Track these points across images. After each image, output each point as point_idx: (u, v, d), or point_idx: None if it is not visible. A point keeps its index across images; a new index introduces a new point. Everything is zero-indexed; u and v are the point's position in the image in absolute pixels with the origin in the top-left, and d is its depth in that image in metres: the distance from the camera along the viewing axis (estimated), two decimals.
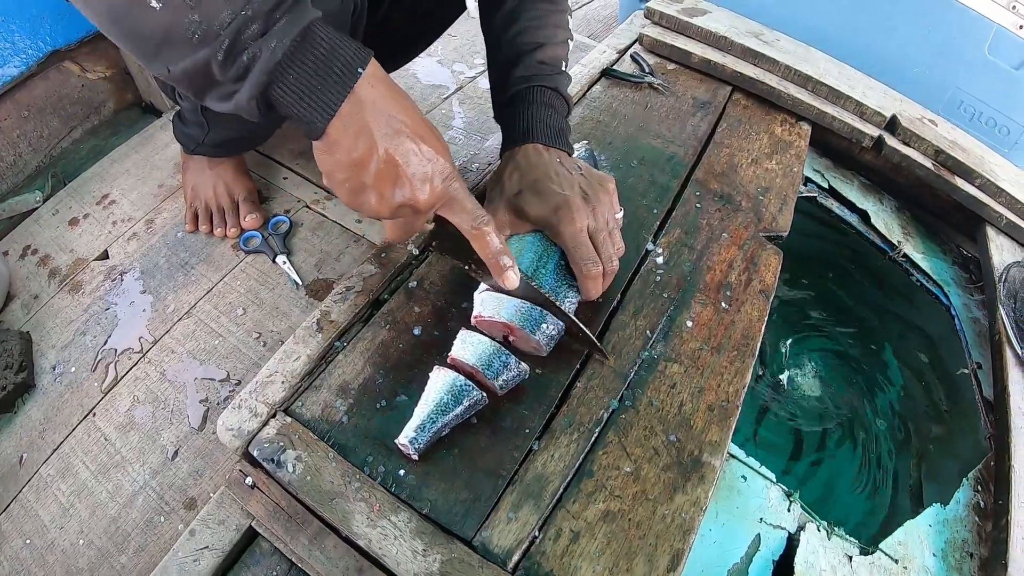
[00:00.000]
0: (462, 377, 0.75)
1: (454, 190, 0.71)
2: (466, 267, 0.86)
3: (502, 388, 0.77)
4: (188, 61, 0.59)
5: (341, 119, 0.63)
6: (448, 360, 0.79)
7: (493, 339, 0.80)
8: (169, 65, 0.61)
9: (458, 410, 0.73)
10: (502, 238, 0.76)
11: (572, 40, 1.06)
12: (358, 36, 0.98)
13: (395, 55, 1.41)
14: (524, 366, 0.78)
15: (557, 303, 0.82)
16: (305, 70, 0.61)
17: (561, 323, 0.81)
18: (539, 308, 0.81)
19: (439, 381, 0.75)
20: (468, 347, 0.78)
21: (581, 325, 0.82)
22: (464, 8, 1.27)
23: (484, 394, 0.75)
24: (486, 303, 0.82)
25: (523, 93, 0.98)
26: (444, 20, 1.32)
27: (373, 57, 0.65)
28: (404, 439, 0.72)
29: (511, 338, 0.82)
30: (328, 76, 0.62)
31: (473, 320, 0.83)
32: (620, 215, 0.93)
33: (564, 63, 1.03)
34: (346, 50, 0.63)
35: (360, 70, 0.63)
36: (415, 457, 0.73)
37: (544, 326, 0.80)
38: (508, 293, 0.81)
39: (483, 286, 0.85)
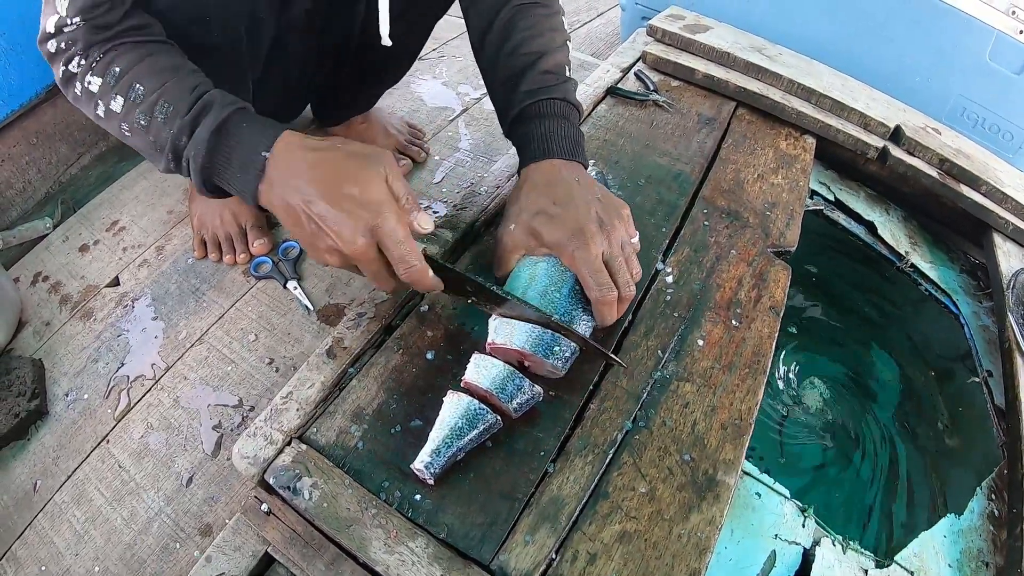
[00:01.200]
0: (476, 401, 0.75)
1: (383, 234, 0.74)
2: (469, 301, 0.87)
3: (517, 411, 0.77)
4: (162, 164, 0.78)
5: (263, 196, 0.75)
6: (462, 384, 0.79)
7: (507, 363, 0.80)
8: (156, 166, 0.81)
9: (473, 434, 0.74)
10: (427, 272, 0.77)
11: (570, 41, 1.06)
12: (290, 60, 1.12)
13: (373, 84, 1.46)
14: (538, 388, 0.78)
15: (570, 327, 0.83)
16: (224, 162, 0.75)
17: (574, 344, 0.82)
18: (550, 332, 0.81)
19: (453, 406, 0.75)
20: (482, 371, 0.78)
21: (590, 341, 0.83)
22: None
23: (499, 418, 0.75)
24: (499, 330, 0.82)
25: (533, 108, 0.98)
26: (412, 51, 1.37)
27: (287, 131, 0.75)
28: (419, 464, 0.72)
29: (526, 363, 0.82)
30: (240, 163, 0.74)
31: (488, 347, 0.84)
32: (636, 240, 0.92)
33: (567, 68, 1.03)
34: (252, 137, 0.74)
35: (264, 153, 0.73)
36: (431, 481, 0.73)
37: (557, 349, 0.80)
38: (518, 318, 0.82)
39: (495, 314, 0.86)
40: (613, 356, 0.84)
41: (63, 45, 0.77)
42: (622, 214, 0.91)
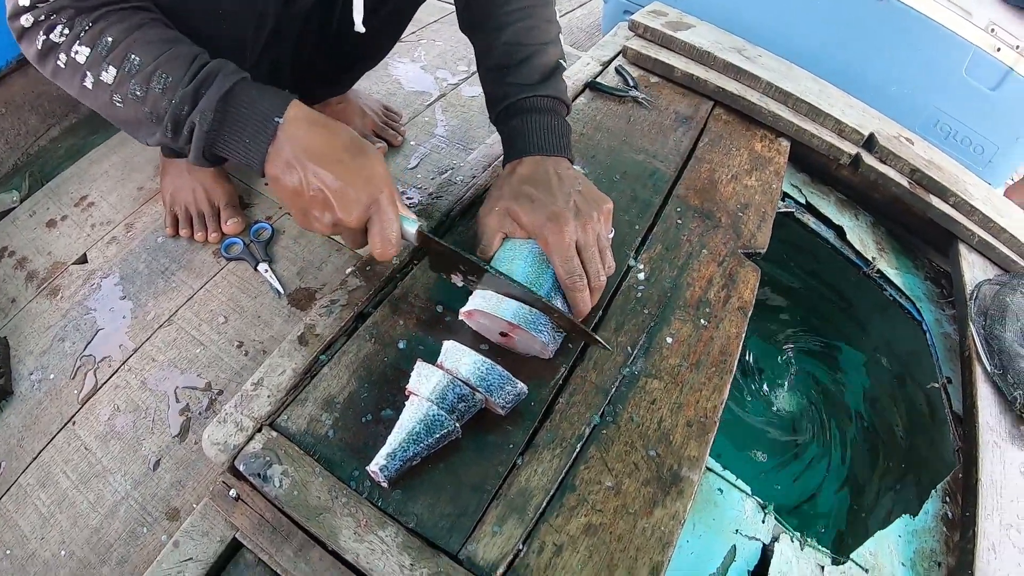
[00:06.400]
0: (435, 407, 0.74)
1: (375, 210, 0.78)
2: (457, 282, 0.88)
3: (504, 408, 0.78)
4: (154, 137, 0.78)
5: (271, 161, 0.76)
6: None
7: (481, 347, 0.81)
8: (147, 140, 0.81)
9: (430, 440, 0.73)
10: (394, 254, 0.81)
11: (561, 31, 1.08)
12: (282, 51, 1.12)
13: (356, 64, 1.45)
14: (522, 385, 0.78)
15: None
16: (234, 128, 0.75)
17: (560, 324, 0.83)
18: (537, 311, 0.82)
19: (413, 410, 0.75)
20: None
21: (576, 322, 0.84)
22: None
23: (458, 426, 0.75)
24: (488, 298, 0.83)
25: (526, 102, 0.99)
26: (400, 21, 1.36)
27: (295, 100, 0.77)
28: (375, 466, 0.72)
29: (513, 335, 0.83)
30: (252, 129, 0.75)
31: (463, 314, 0.84)
32: (611, 236, 0.95)
33: (562, 59, 1.04)
34: (263, 104, 0.76)
35: (277, 119, 0.75)
36: (385, 484, 0.73)
37: (547, 326, 0.82)
38: (506, 294, 0.83)
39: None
40: (597, 337, 0.85)
41: (43, 16, 0.74)
42: (602, 207, 0.93)
